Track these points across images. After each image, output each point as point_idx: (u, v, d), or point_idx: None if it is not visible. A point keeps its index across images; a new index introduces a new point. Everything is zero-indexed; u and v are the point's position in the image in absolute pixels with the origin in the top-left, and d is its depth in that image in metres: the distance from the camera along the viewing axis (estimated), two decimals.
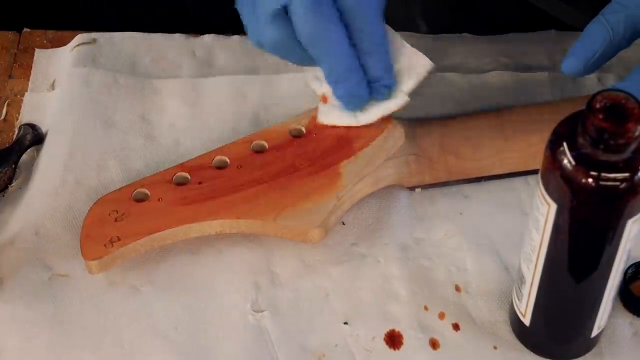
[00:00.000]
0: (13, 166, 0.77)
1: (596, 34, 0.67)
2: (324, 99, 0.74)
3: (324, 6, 0.66)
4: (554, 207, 0.58)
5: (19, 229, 0.74)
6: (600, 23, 0.67)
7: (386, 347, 0.69)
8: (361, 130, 0.74)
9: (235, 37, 0.86)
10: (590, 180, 0.56)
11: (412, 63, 0.72)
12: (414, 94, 0.82)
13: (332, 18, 0.67)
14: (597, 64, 0.68)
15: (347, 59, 0.68)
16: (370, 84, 0.70)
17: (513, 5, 0.92)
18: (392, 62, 0.71)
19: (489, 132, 0.76)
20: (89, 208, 0.72)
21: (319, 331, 0.69)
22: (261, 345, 0.68)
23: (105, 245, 0.69)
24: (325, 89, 0.72)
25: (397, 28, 0.90)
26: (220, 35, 0.87)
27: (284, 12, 0.66)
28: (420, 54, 0.73)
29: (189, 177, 0.73)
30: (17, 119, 0.81)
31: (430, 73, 0.73)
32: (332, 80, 0.70)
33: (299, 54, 0.68)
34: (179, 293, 0.71)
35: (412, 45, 0.86)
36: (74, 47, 0.85)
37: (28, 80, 0.84)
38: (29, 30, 0.88)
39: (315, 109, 0.77)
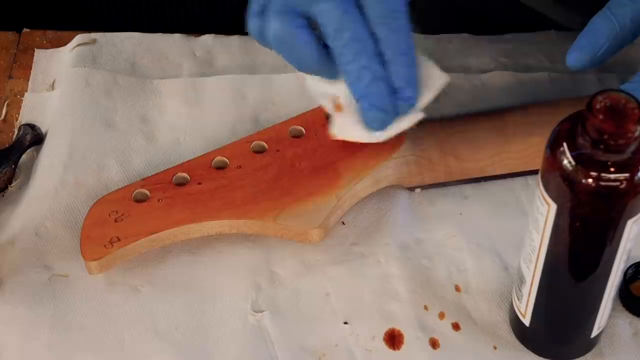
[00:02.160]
0: (13, 166, 0.77)
1: (602, 27, 0.67)
2: (338, 108, 0.70)
3: (352, 9, 0.64)
4: (554, 207, 0.58)
5: (19, 229, 0.74)
6: (606, 16, 0.67)
7: (386, 346, 0.69)
8: None
9: (235, 37, 0.86)
10: (590, 180, 0.56)
11: (428, 77, 0.69)
12: None
13: (360, 22, 0.64)
14: (602, 58, 0.68)
15: (375, 68, 0.64)
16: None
17: (505, 6, 0.92)
18: (415, 74, 0.67)
19: (488, 132, 0.76)
20: (89, 208, 0.72)
21: (319, 331, 0.69)
22: (261, 345, 0.68)
23: (105, 245, 0.69)
24: (342, 99, 0.69)
25: None
26: (220, 35, 0.87)
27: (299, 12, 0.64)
28: (437, 67, 0.69)
29: (189, 177, 0.73)
30: (17, 119, 0.81)
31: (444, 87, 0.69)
32: (357, 91, 0.65)
33: (314, 56, 0.65)
34: (179, 293, 0.71)
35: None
36: (74, 47, 0.85)
37: (28, 80, 0.84)
38: (28, 30, 0.88)
39: (315, 110, 0.77)
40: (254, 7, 0.66)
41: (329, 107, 0.70)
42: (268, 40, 0.66)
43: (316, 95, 0.70)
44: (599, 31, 0.67)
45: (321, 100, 0.70)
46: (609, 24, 0.67)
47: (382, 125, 0.67)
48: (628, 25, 0.67)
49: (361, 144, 0.73)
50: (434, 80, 0.69)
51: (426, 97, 0.69)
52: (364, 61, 0.64)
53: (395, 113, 0.67)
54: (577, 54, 0.68)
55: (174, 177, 0.73)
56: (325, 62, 0.65)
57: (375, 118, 0.66)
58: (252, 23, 0.66)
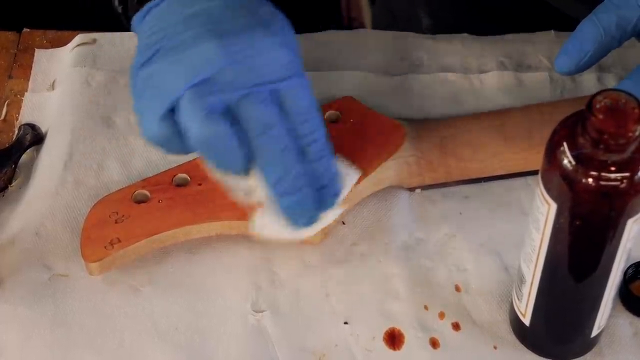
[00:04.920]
0: (13, 166, 0.77)
1: (588, 33, 0.68)
2: (256, 208, 0.67)
3: (275, 107, 0.62)
4: (554, 207, 0.58)
5: (19, 229, 0.74)
6: (593, 22, 0.68)
7: (386, 346, 0.69)
8: (361, 131, 0.75)
9: None
10: (590, 179, 0.56)
11: (342, 172, 0.68)
12: (413, 95, 0.82)
13: (284, 120, 0.62)
14: (588, 64, 0.68)
15: (298, 166, 0.63)
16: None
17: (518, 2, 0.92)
18: (337, 171, 0.66)
19: (488, 132, 0.76)
20: (89, 208, 0.72)
21: (319, 331, 0.69)
22: (261, 345, 0.68)
23: (105, 247, 0.69)
24: (259, 196, 0.66)
25: (400, 23, 0.89)
26: None
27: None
28: (348, 164, 0.69)
29: (189, 178, 0.73)
30: (17, 119, 0.81)
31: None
32: (280, 190, 0.63)
33: (241, 160, 0.62)
34: (179, 293, 0.71)
35: (413, 45, 0.86)
36: (74, 47, 0.85)
37: (28, 80, 0.84)
38: (29, 30, 0.88)
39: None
40: (156, 108, 0.61)
41: (242, 203, 0.68)
42: (185, 144, 0.62)
43: (227, 188, 0.68)
44: (585, 37, 0.68)
45: (233, 194, 0.68)
46: (594, 30, 0.67)
47: (309, 222, 0.66)
48: (613, 31, 0.67)
49: (361, 145, 0.74)
50: (349, 177, 0.69)
51: (343, 194, 0.68)
52: (289, 159, 0.63)
53: (320, 209, 0.66)
54: (564, 59, 0.68)
55: (174, 178, 0.73)
56: (246, 160, 0.63)
57: (300, 217, 0.65)
58: (161, 127, 0.62)
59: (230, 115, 0.61)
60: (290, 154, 0.63)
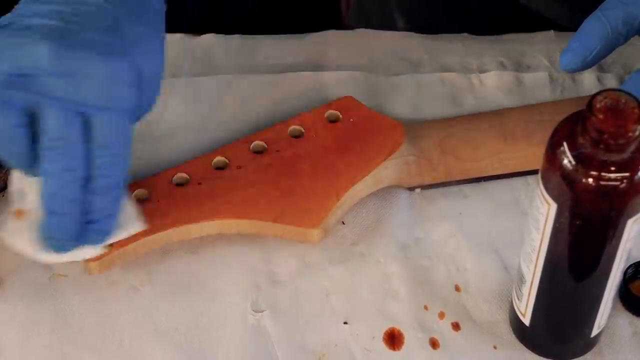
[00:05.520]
0: None
1: (594, 30, 0.67)
2: (19, 214, 0.65)
3: (77, 124, 0.60)
4: (554, 207, 0.58)
5: None
6: (599, 19, 0.67)
7: (386, 346, 0.69)
8: (361, 131, 0.75)
9: (235, 37, 0.86)
10: (590, 179, 0.56)
11: (125, 219, 0.66)
12: (413, 95, 0.82)
13: (80, 140, 0.60)
14: (594, 61, 0.68)
15: (74, 191, 0.61)
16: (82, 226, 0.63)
17: (505, 6, 0.92)
18: (117, 212, 0.64)
19: (488, 132, 0.76)
20: None
21: (319, 331, 0.69)
22: (261, 345, 0.68)
23: (105, 246, 0.69)
24: (28, 204, 0.65)
25: (373, 23, 0.89)
26: (220, 35, 0.87)
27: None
28: (135, 213, 0.67)
29: (189, 177, 0.73)
30: None
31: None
32: (48, 206, 0.61)
33: (16, 154, 0.61)
34: (179, 293, 0.71)
35: (413, 45, 0.86)
36: None
37: None
38: None
39: (315, 110, 0.77)
40: None
41: (11, 207, 0.66)
42: None
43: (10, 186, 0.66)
44: (591, 34, 0.67)
45: (11, 194, 0.66)
46: (600, 27, 0.67)
47: (59, 249, 0.64)
48: (620, 28, 0.67)
49: (361, 144, 0.74)
50: (129, 224, 0.67)
51: (115, 238, 0.67)
52: (67, 180, 0.61)
53: (78, 242, 0.64)
54: (570, 57, 0.68)
55: (173, 178, 0.73)
56: (33, 160, 0.61)
57: (56, 240, 0.63)
58: None
59: (33, 115, 0.60)
60: (70, 176, 0.61)
